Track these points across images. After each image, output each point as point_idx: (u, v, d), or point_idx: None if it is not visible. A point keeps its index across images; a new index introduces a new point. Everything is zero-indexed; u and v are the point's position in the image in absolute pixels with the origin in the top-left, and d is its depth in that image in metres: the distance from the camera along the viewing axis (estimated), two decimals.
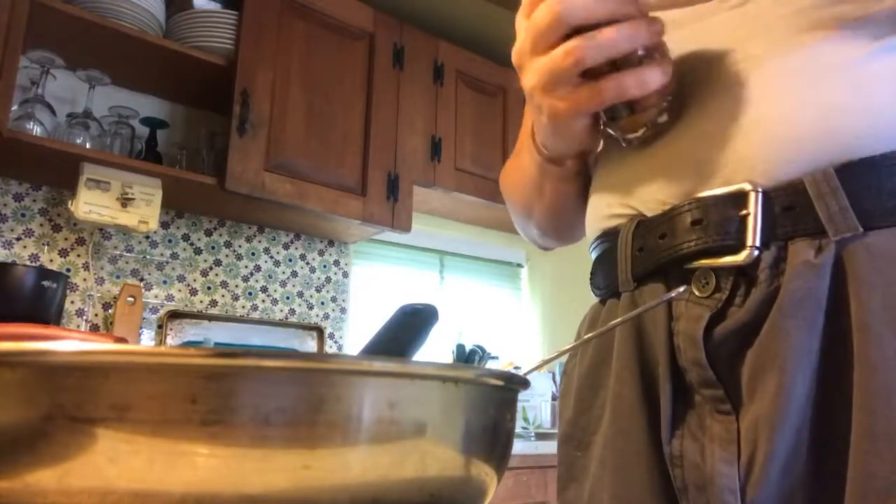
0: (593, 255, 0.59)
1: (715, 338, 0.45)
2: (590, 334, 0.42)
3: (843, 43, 0.44)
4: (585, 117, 0.48)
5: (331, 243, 2.37)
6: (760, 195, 0.44)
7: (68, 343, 0.22)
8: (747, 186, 0.44)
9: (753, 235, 0.44)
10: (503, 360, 2.51)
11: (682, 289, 0.46)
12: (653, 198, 0.50)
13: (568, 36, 0.44)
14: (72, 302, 1.86)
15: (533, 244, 0.74)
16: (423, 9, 2.51)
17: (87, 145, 1.73)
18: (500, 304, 2.83)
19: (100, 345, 0.22)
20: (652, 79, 0.44)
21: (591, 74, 0.44)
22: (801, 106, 0.44)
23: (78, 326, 1.86)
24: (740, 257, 0.44)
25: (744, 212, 0.44)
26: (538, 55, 0.45)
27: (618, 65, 0.44)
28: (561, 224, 0.65)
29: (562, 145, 0.54)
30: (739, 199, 0.45)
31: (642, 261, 0.51)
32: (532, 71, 0.46)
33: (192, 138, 2.05)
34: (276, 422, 0.22)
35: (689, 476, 0.46)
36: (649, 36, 0.43)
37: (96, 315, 1.89)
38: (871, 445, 0.39)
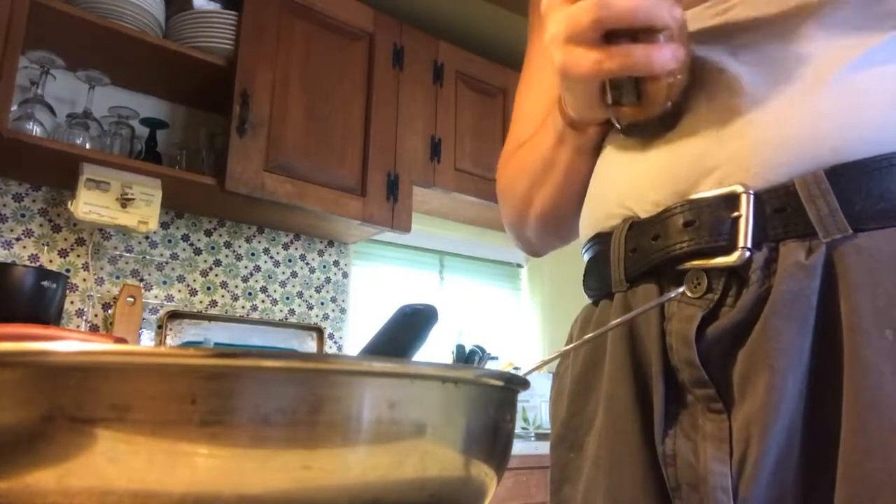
0: (586, 257, 0.59)
1: (707, 338, 0.46)
2: (590, 334, 0.42)
3: (829, 49, 0.45)
4: (595, 82, 0.48)
5: (330, 244, 2.37)
6: (752, 197, 0.44)
7: (68, 343, 0.22)
8: (739, 188, 0.45)
9: (745, 237, 0.44)
10: (503, 360, 2.51)
11: (680, 290, 0.46)
12: (646, 199, 0.50)
13: None
14: (71, 302, 1.86)
15: (526, 247, 0.72)
16: (423, 9, 2.51)
17: (87, 146, 1.73)
18: (500, 304, 2.83)
19: (99, 345, 0.22)
20: (660, 58, 0.43)
21: (612, 43, 0.44)
22: (791, 110, 0.44)
23: (78, 327, 1.86)
24: (732, 258, 0.45)
25: (735, 213, 0.45)
26: (567, 4, 0.45)
27: (635, 39, 0.44)
28: (564, 210, 0.64)
29: (580, 106, 0.53)
30: (731, 200, 0.45)
31: (635, 262, 0.51)
32: (557, 20, 0.46)
33: (191, 138, 2.05)
34: (275, 422, 0.22)
35: (682, 475, 0.46)
36: (668, 18, 0.43)
37: (96, 315, 1.89)
38: (862, 445, 0.39)
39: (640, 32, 0.43)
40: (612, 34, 0.44)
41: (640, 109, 0.47)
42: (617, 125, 0.52)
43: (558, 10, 0.46)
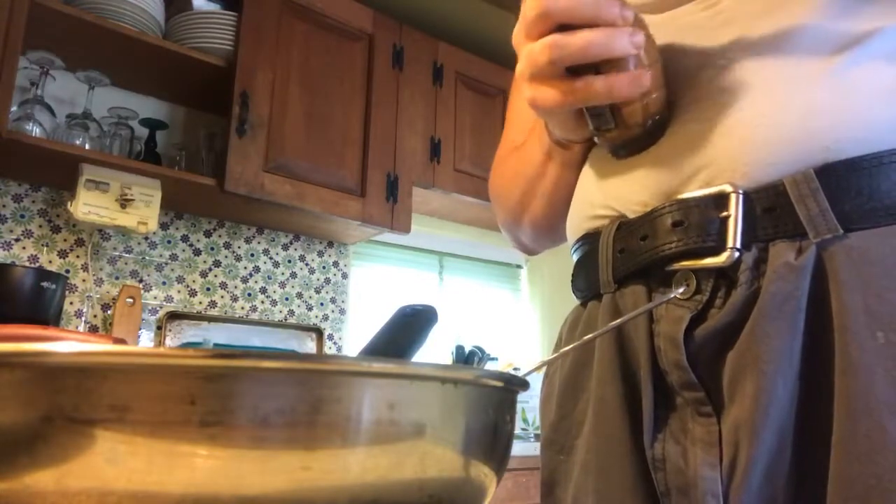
0: (575, 257, 0.59)
1: (696, 340, 0.45)
2: (589, 335, 0.42)
3: (819, 47, 0.44)
4: (567, 112, 0.48)
5: (330, 244, 2.37)
6: (741, 196, 0.44)
7: (67, 344, 0.22)
8: (728, 188, 0.44)
9: (734, 237, 0.44)
10: (502, 361, 2.51)
11: (680, 290, 0.46)
12: (634, 199, 0.50)
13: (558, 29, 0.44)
14: (71, 303, 1.85)
15: (521, 247, 0.73)
16: (422, 10, 2.51)
17: (87, 146, 1.73)
18: (500, 305, 2.83)
19: (98, 346, 0.22)
20: (621, 87, 0.43)
21: (578, 71, 0.44)
22: (782, 108, 0.44)
23: (77, 327, 1.86)
24: (721, 259, 0.44)
25: (724, 213, 0.44)
26: (529, 41, 0.45)
27: (599, 69, 0.43)
28: (556, 219, 0.64)
29: (561, 130, 0.53)
30: (720, 200, 0.45)
31: (623, 262, 0.50)
32: (521, 56, 0.46)
33: (191, 139, 2.05)
34: (275, 423, 0.22)
35: (671, 480, 0.45)
36: (626, 47, 0.42)
37: (95, 316, 1.89)
38: (852, 448, 0.38)
39: (603, 63, 0.43)
40: (578, 66, 0.44)
41: (620, 132, 0.47)
42: (607, 149, 0.52)
43: (522, 47, 0.46)
